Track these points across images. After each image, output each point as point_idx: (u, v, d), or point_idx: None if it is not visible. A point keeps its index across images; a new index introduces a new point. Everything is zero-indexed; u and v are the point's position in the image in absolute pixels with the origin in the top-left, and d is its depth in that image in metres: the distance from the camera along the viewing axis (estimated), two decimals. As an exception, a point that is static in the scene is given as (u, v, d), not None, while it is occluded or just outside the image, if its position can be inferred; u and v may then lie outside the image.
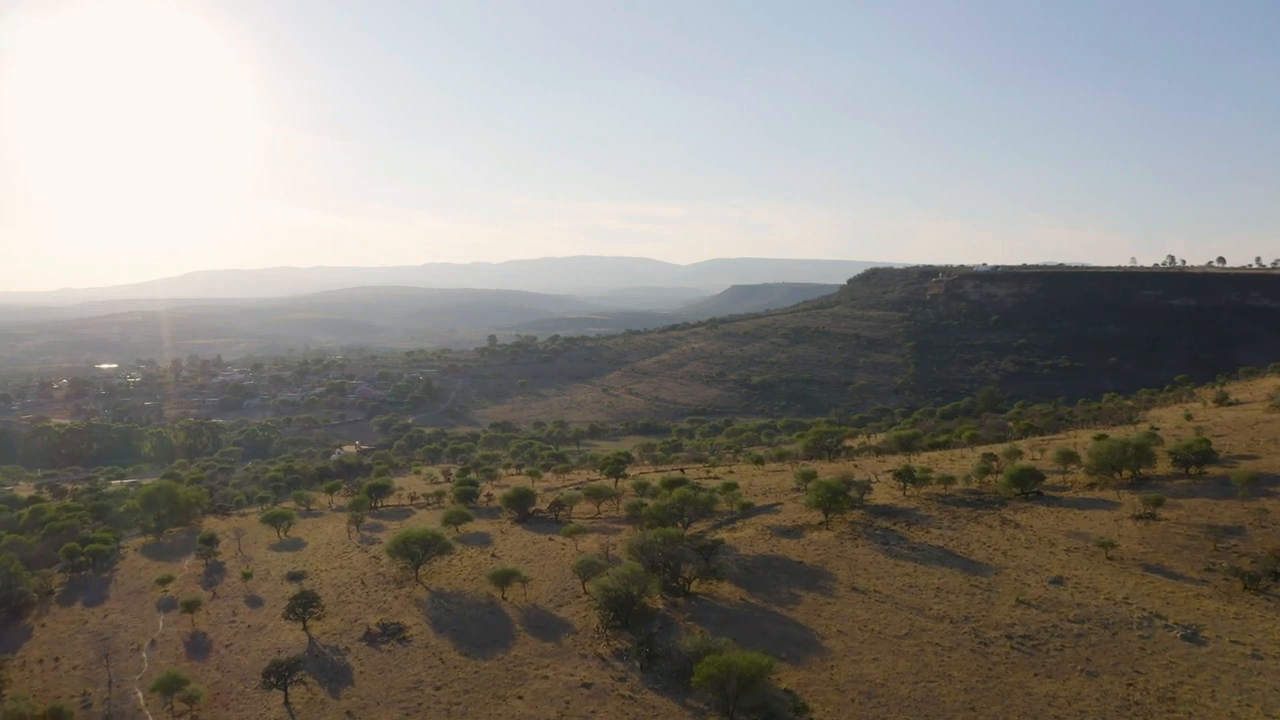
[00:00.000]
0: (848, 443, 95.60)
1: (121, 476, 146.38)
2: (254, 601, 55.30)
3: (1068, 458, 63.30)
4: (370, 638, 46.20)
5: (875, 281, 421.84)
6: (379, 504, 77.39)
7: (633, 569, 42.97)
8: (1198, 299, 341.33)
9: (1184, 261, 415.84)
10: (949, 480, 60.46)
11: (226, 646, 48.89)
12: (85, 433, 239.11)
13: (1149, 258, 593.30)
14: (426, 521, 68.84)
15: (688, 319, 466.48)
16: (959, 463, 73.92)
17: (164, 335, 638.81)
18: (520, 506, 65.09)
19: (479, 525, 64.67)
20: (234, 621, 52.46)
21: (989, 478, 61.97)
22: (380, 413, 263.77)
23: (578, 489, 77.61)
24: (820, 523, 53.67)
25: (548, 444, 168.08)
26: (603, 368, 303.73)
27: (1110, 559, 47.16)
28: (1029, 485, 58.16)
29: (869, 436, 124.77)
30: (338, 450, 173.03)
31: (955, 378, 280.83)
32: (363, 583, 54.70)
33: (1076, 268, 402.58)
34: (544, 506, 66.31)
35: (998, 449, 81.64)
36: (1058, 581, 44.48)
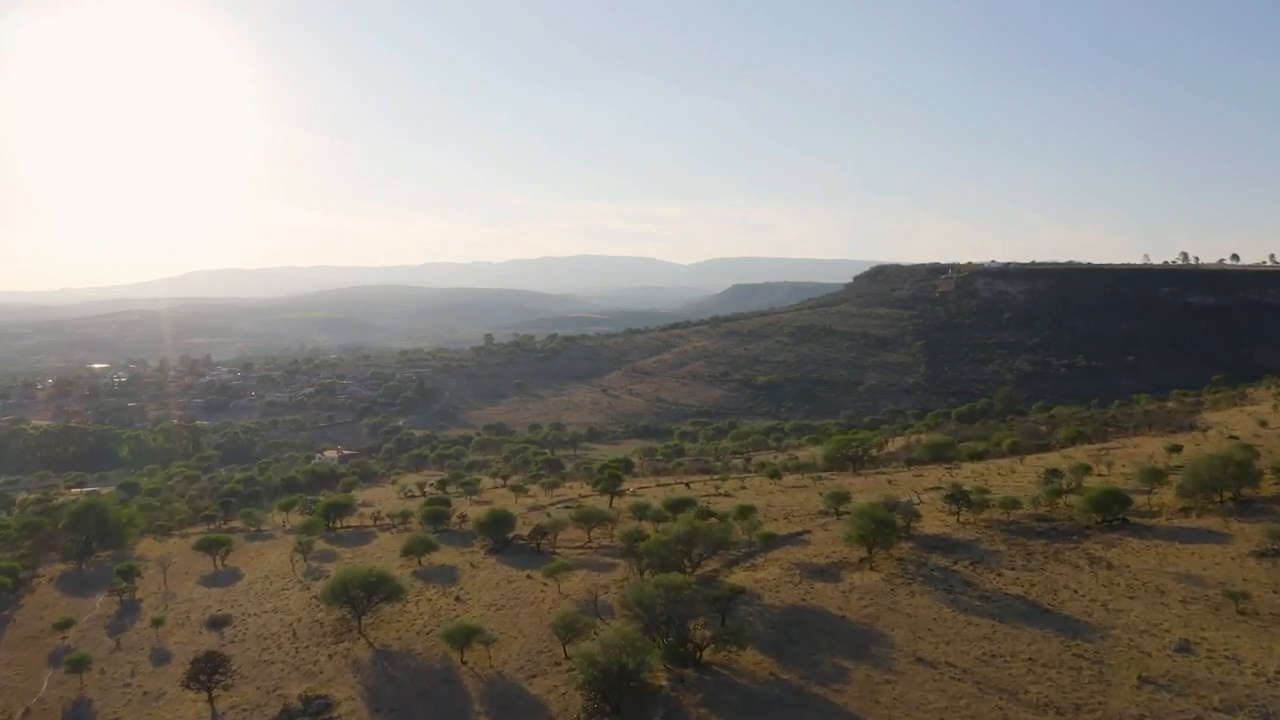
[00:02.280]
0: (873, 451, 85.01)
1: (83, 484, 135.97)
2: (160, 657, 44.86)
3: (1153, 475, 52.62)
4: (288, 717, 35.82)
5: (882, 279, 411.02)
6: (337, 525, 66.91)
7: (626, 634, 32.46)
8: (1215, 296, 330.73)
9: (1197, 259, 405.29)
10: (1013, 504, 49.88)
11: (110, 723, 38.51)
12: (61, 435, 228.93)
13: (1154, 257, 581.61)
14: (388, 549, 58.54)
15: (689, 318, 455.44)
16: (1010, 478, 63.45)
17: (162, 335, 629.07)
18: (496, 534, 54.60)
19: (446, 555, 54.20)
20: (129, 685, 42.04)
21: (1061, 500, 51.37)
22: (371, 414, 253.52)
23: (567, 506, 67.28)
24: (861, 559, 43.17)
25: (542, 448, 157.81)
26: (602, 367, 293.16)
27: (1243, 614, 36.62)
28: (1113, 511, 47.62)
29: (888, 440, 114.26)
30: (319, 455, 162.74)
31: (969, 378, 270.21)
32: (294, 634, 44.25)
33: (1090, 265, 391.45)
34: (525, 532, 55.71)
35: (1050, 460, 71.20)
36: (1185, 649, 33.96)
